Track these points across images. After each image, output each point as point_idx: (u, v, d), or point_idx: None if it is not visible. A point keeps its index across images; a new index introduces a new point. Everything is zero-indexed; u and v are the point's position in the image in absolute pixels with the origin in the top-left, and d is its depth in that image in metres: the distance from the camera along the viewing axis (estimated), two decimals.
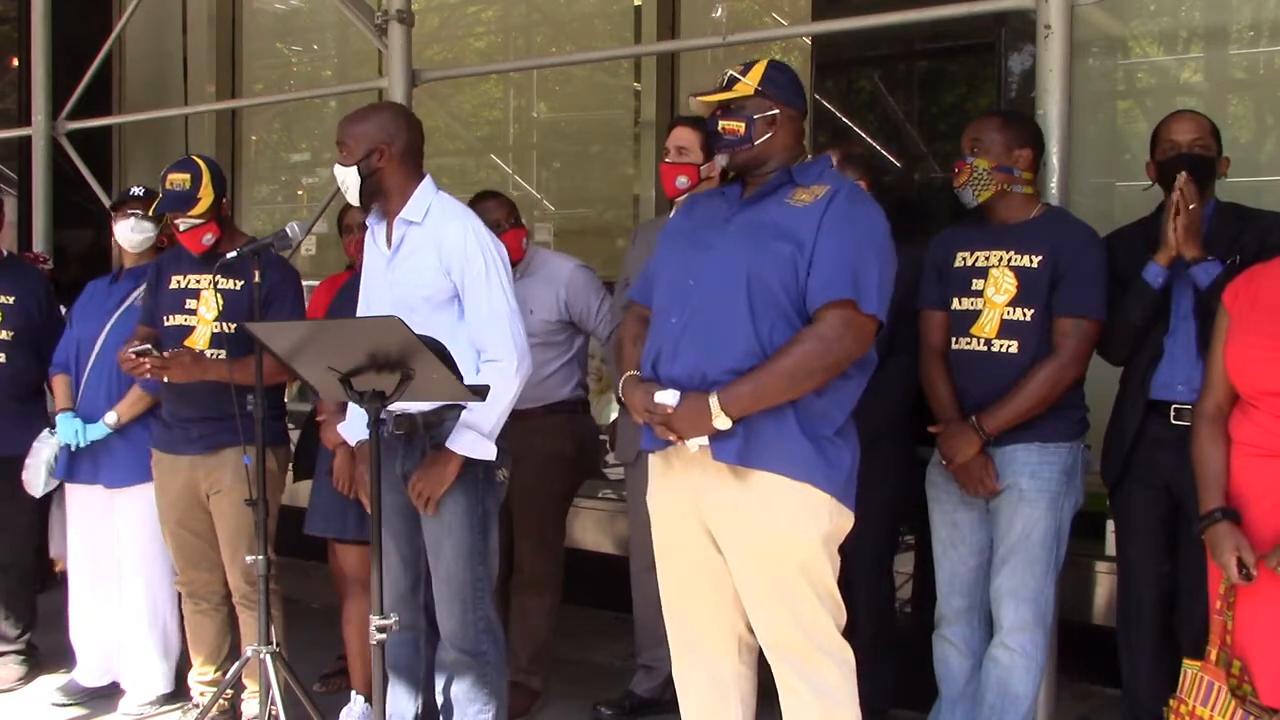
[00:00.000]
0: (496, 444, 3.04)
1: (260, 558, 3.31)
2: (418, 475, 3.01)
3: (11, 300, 4.26)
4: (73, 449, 3.94)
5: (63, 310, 4.34)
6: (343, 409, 3.44)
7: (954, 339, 3.20)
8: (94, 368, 3.97)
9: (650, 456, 2.78)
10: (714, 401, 2.52)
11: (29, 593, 4.42)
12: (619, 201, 6.39)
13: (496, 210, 3.95)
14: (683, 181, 3.67)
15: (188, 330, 3.66)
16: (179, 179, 3.61)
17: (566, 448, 4.01)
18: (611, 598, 4.36)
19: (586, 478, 4.32)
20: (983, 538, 3.20)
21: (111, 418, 3.89)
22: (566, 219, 6.52)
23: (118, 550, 4.01)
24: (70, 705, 4.08)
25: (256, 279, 3.30)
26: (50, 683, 4.27)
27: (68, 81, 5.72)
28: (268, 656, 3.28)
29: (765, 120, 2.68)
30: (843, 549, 2.68)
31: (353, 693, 3.79)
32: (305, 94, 7.30)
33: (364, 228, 3.93)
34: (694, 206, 2.89)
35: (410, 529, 3.12)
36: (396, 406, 3.00)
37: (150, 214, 3.94)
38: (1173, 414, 3.07)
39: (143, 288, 3.94)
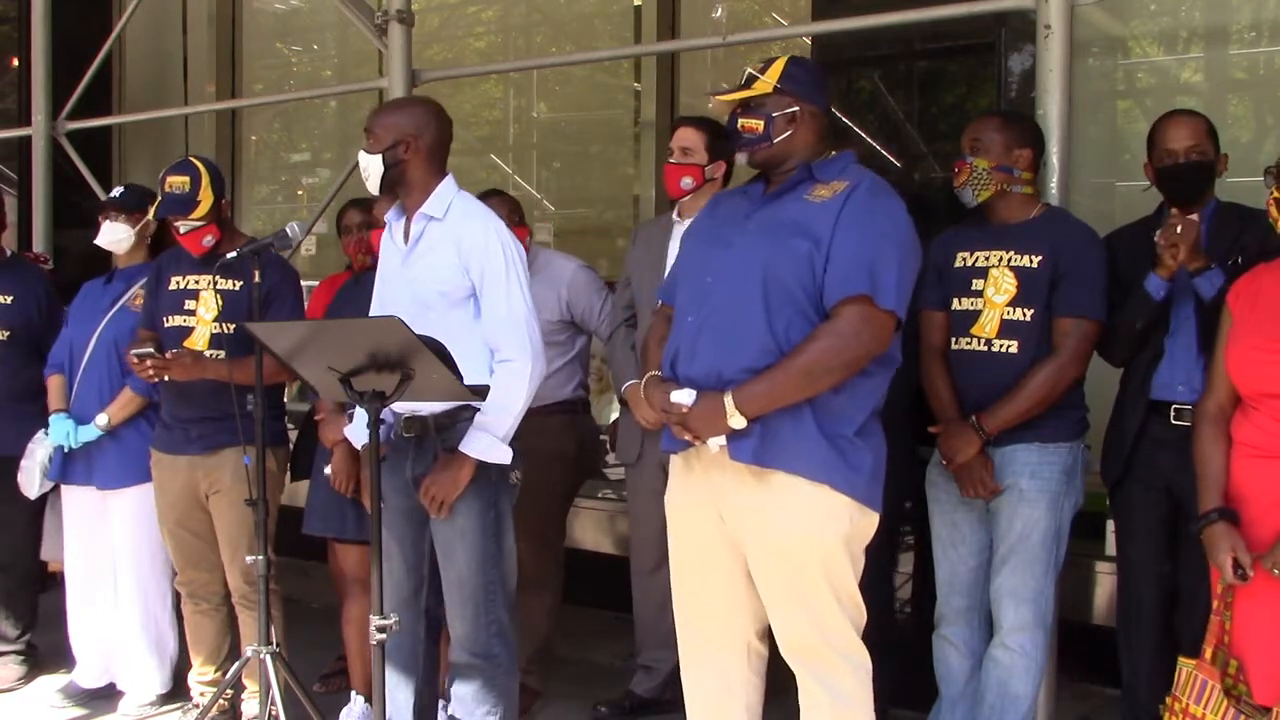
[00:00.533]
0: (510, 446, 3.01)
1: (260, 558, 3.31)
2: (430, 479, 2.97)
3: (10, 300, 4.26)
4: (65, 450, 3.93)
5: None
6: (343, 408, 3.44)
7: (954, 339, 3.20)
8: (86, 368, 3.96)
9: (672, 458, 2.77)
10: (728, 400, 2.49)
11: (29, 593, 4.42)
12: (619, 201, 6.39)
13: (500, 208, 3.94)
14: (687, 182, 3.67)
15: (187, 331, 3.65)
16: (178, 181, 3.60)
17: (567, 447, 4.01)
18: (611, 598, 4.36)
19: (587, 478, 4.31)
20: (982, 538, 3.20)
21: (103, 419, 3.87)
22: (566, 219, 6.52)
23: (112, 551, 4.00)
24: (70, 707, 4.08)
25: (256, 279, 3.30)
26: (50, 683, 4.27)
27: (68, 81, 5.72)
28: (268, 656, 3.28)
29: (785, 118, 2.66)
30: None
31: (353, 693, 3.79)
32: (305, 94, 7.30)
33: (363, 228, 3.98)
34: (718, 205, 2.86)
35: (416, 533, 3.09)
36: (407, 408, 2.99)
37: (121, 213, 3.95)
38: (1173, 414, 3.07)
39: (135, 288, 3.94)
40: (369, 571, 2.85)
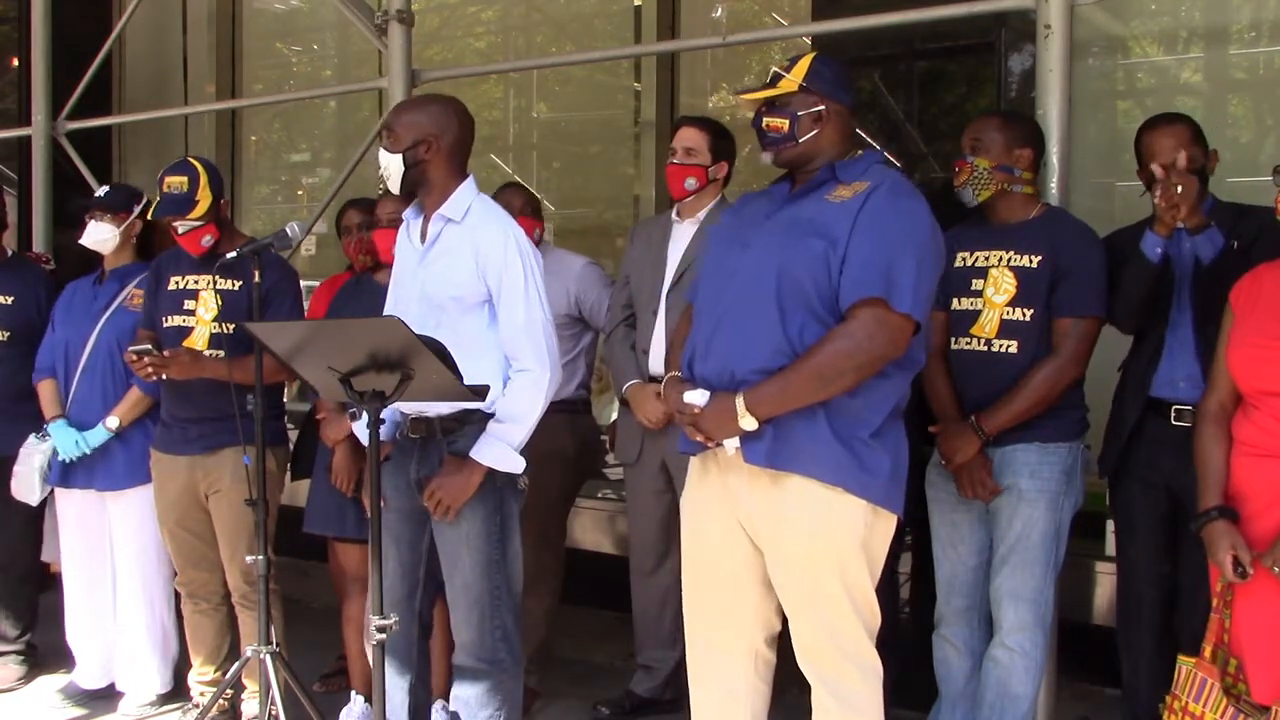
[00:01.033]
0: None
1: (260, 558, 3.31)
2: (437, 483, 2.94)
3: (10, 300, 4.26)
4: (69, 460, 3.89)
5: None
6: (344, 408, 3.44)
7: (954, 339, 3.20)
8: (85, 371, 3.93)
9: (690, 460, 2.76)
10: (740, 402, 2.48)
11: (29, 593, 4.41)
12: (619, 201, 6.39)
13: (515, 197, 3.97)
14: (691, 183, 3.66)
15: (186, 331, 3.65)
16: (176, 182, 3.60)
17: (567, 447, 4.01)
18: (611, 598, 4.35)
19: (587, 478, 4.31)
20: (982, 538, 3.20)
21: (113, 421, 3.85)
22: (566, 219, 6.52)
23: (112, 553, 4.00)
24: (70, 707, 4.07)
25: (256, 279, 3.30)
26: (50, 683, 4.27)
27: (68, 81, 5.71)
28: (268, 656, 3.28)
29: (810, 116, 2.64)
30: None
31: (352, 693, 3.79)
32: (305, 94, 7.30)
33: (362, 228, 3.97)
34: (744, 205, 2.83)
35: (415, 534, 3.08)
36: (413, 409, 2.98)
37: (107, 213, 3.93)
38: (1173, 414, 3.06)
39: (129, 287, 3.94)
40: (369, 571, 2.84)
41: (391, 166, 2.99)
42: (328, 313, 3.97)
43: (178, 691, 4.03)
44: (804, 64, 2.67)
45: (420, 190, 3.03)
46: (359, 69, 6.98)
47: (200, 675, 3.89)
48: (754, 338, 2.54)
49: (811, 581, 2.56)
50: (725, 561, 2.67)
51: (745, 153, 4.35)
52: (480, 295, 2.97)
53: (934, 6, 3.68)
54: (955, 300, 3.19)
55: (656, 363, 3.65)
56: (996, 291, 3.12)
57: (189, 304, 3.67)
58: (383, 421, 2.91)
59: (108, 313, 3.95)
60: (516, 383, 2.95)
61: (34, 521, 4.28)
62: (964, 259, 3.19)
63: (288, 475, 3.93)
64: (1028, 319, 3.08)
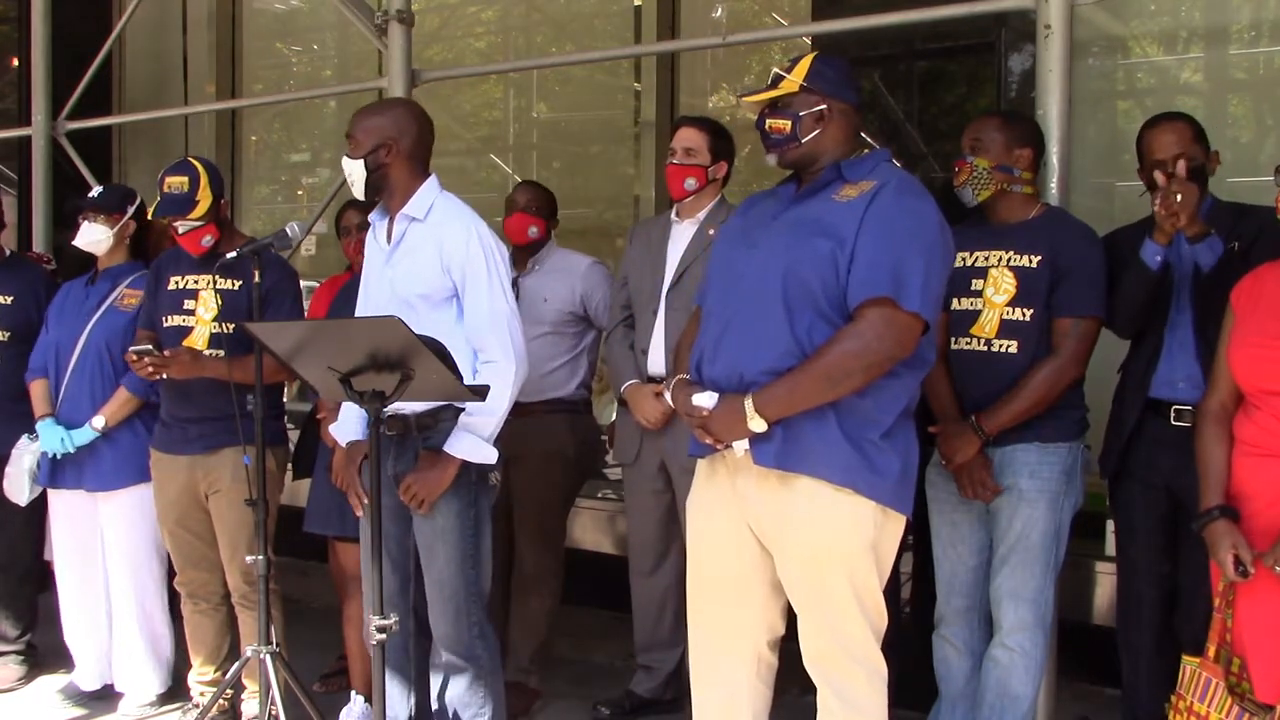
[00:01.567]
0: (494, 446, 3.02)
1: (260, 558, 3.31)
2: (412, 477, 2.99)
3: (10, 300, 4.26)
4: (56, 456, 3.90)
5: None
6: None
7: (953, 339, 3.19)
8: (75, 371, 3.92)
9: (698, 462, 2.75)
10: (748, 403, 2.47)
11: (29, 593, 4.41)
12: (619, 201, 6.38)
13: (520, 194, 4.01)
14: (690, 184, 3.66)
15: (186, 331, 3.65)
16: (177, 182, 3.60)
17: (567, 447, 4.01)
18: (611, 598, 4.35)
19: (587, 478, 4.31)
20: (982, 538, 3.20)
21: (99, 421, 3.85)
22: (566, 219, 6.45)
23: (104, 553, 3.99)
24: (70, 707, 4.07)
25: (256, 279, 3.30)
26: (50, 683, 4.27)
27: (68, 81, 5.72)
28: (268, 656, 3.29)
29: (813, 116, 2.63)
30: None
31: (352, 693, 3.79)
32: (305, 94, 7.30)
33: (362, 229, 3.97)
34: (750, 206, 2.83)
35: (400, 530, 3.11)
36: (390, 407, 3.00)
37: (100, 213, 3.92)
38: (1173, 414, 3.06)
39: (121, 288, 3.93)
40: None
41: (354, 173, 3.06)
42: (328, 313, 3.97)
43: (178, 691, 4.03)
44: (805, 64, 2.67)
45: (384, 193, 3.09)
46: (359, 69, 6.98)
47: (200, 675, 3.89)
48: (762, 339, 2.53)
49: (820, 582, 2.55)
50: (732, 563, 2.66)
51: (745, 153, 4.35)
52: (447, 291, 3.02)
53: (934, 6, 3.68)
54: (955, 300, 3.18)
55: (655, 363, 3.65)
56: (996, 291, 3.12)
57: (189, 304, 3.67)
58: (380, 422, 2.92)
59: (98, 313, 3.95)
60: (484, 375, 2.99)
61: (34, 521, 4.27)
62: (964, 259, 3.18)
63: (288, 475, 3.93)
64: (1027, 319, 3.08)
